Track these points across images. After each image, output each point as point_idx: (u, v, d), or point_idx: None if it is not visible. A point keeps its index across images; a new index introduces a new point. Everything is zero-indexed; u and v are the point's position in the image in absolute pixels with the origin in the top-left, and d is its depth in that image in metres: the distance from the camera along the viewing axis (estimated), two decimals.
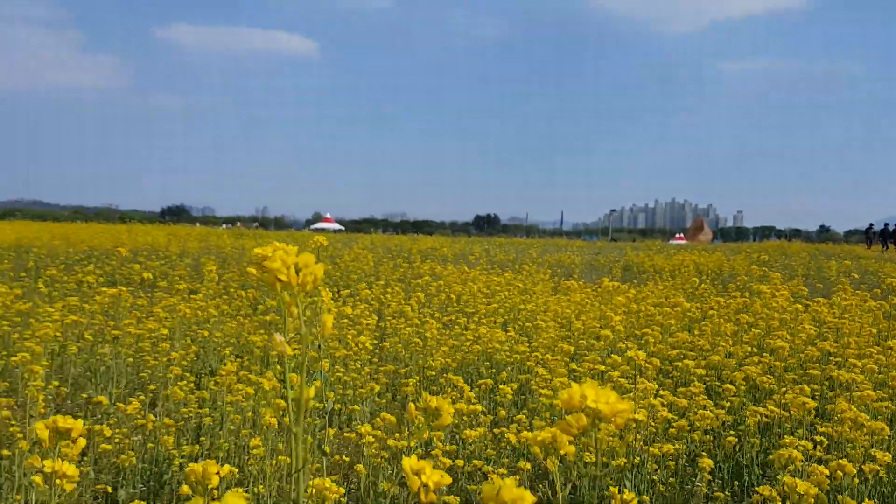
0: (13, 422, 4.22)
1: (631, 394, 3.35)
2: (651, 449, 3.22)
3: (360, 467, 3.49)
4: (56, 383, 4.93)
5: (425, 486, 0.92)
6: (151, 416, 4.23)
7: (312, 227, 48.20)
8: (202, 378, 5.75)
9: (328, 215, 51.82)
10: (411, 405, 1.14)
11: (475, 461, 3.16)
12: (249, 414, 4.44)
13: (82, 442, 1.21)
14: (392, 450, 3.89)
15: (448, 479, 0.96)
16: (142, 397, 4.57)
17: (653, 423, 3.46)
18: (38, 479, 1.24)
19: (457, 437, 3.82)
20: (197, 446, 4.06)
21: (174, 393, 4.42)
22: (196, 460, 4.30)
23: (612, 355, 3.94)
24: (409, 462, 0.94)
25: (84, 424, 3.73)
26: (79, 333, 6.47)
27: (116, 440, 3.93)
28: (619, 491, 1.58)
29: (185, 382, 4.72)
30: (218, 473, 1.44)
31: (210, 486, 1.43)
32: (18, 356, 4.27)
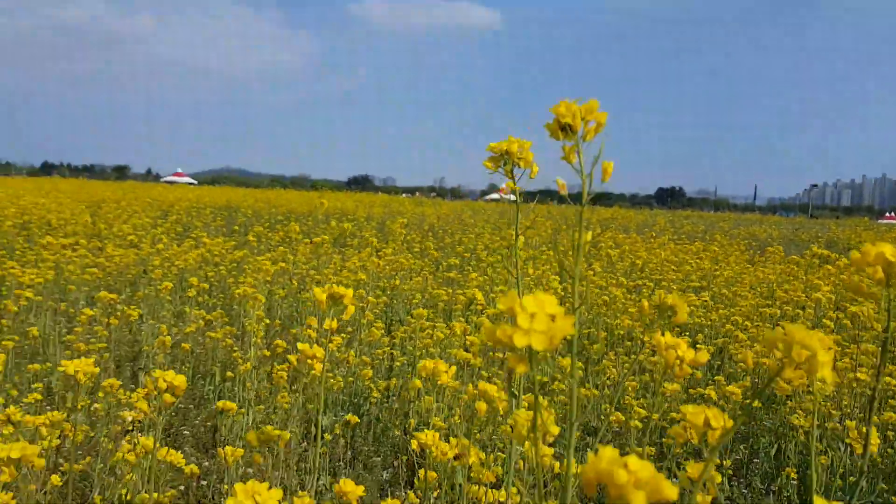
0: (235, 348, 4.72)
1: (847, 358, 3.08)
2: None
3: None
4: (267, 320, 5.43)
5: (680, 359, 0.91)
6: (352, 353, 4.54)
7: (487, 197, 48.82)
8: (392, 325, 6.06)
9: (503, 186, 52.06)
10: (644, 301, 1.12)
11: (672, 414, 3.07)
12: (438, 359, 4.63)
13: (351, 308, 1.33)
14: (580, 399, 3.88)
15: (705, 356, 0.94)
16: (343, 335, 4.92)
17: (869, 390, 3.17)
18: (293, 357, 1.38)
19: (650, 391, 3.73)
20: (393, 381, 4.30)
21: (371, 333, 4.70)
22: (389, 397, 4.58)
23: (824, 319, 3.64)
24: (662, 339, 0.93)
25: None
26: (285, 280, 7.08)
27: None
28: (867, 433, 1.46)
29: (379, 324, 5.01)
30: (446, 372, 1.51)
31: (439, 382, 1.50)
32: (241, 289, 4.76)
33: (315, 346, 1.41)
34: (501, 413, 1.24)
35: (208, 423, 4.36)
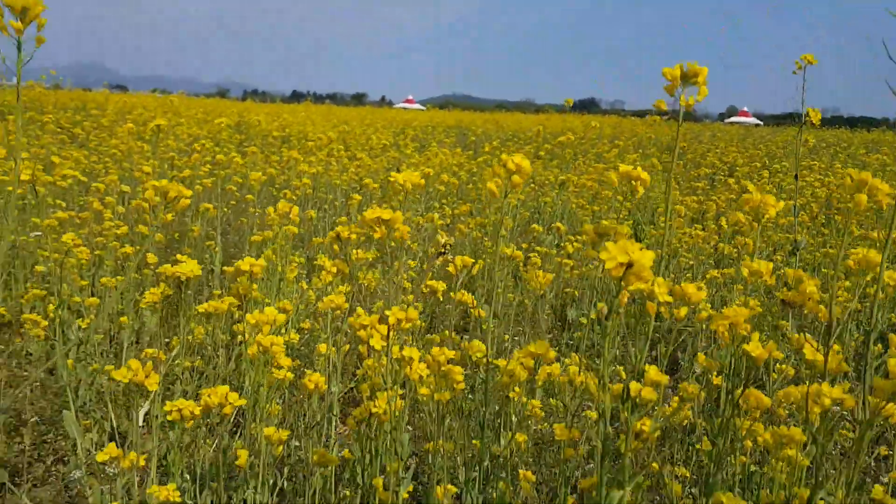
0: (485, 240, 4.88)
1: None
2: None
3: None
4: (509, 220, 5.53)
5: None
6: (596, 253, 4.50)
7: (727, 120, 45.21)
8: (638, 229, 5.89)
9: (745, 108, 48.12)
10: None
11: None
12: (683, 260, 4.42)
13: (706, 91, 1.25)
14: None
15: None
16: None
17: None
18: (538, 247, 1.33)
19: None
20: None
21: (627, 231, 4.60)
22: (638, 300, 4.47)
23: None
24: None
25: (533, 251, 4.05)
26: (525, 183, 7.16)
27: (569, 266, 4.29)
28: None
29: (630, 223, 4.88)
30: (775, 206, 1.37)
31: (751, 252, 1.37)
32: (491, 182, 4.87)
33: (638, 168, 1.35)
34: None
35: (460, 308, 4.58)
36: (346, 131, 13.18)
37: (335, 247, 1.61)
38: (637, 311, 1.09)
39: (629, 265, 0.89)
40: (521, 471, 1.55)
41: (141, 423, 2.14)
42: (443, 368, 1.29)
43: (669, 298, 1.07)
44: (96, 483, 2.12)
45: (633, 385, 0.99)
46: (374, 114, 27.32)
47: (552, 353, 1.15)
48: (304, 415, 2.82)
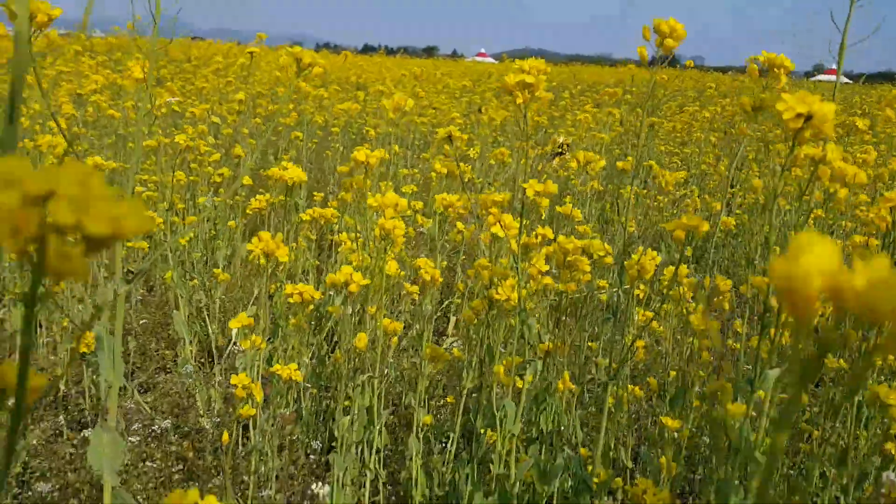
0: (572, 177, 4.78)
1: None
2: None
3: None
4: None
5: None
6: (695, 188, 4.36)
7: (812, 78, 42.81)
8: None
9: (832, 67, 45.62)
10: None
11: None
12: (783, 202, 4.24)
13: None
14: None
15: None
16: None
17: None
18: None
19: None
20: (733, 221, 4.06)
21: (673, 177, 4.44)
22: (731, 234, 4.33)
23: None
24: None
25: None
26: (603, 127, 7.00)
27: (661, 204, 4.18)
28: None
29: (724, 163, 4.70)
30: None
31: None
32: (639, 49, 4.76)
33: (782, 55, 1.25)
34: None
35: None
36: (423, 77, 13.14)
37: (446, 147, 1.57)
38: (812, 168, 1.01)
39: (808, 117, 0.82)
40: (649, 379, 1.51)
41: (235, 337, 2.19)
42: (569, 258, 1.25)
43: (845, 165, 1.00)
44: (201, 381, 2.19)
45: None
46: (448, 65, 27.15)
47: (706, 226, 1.10)
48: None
